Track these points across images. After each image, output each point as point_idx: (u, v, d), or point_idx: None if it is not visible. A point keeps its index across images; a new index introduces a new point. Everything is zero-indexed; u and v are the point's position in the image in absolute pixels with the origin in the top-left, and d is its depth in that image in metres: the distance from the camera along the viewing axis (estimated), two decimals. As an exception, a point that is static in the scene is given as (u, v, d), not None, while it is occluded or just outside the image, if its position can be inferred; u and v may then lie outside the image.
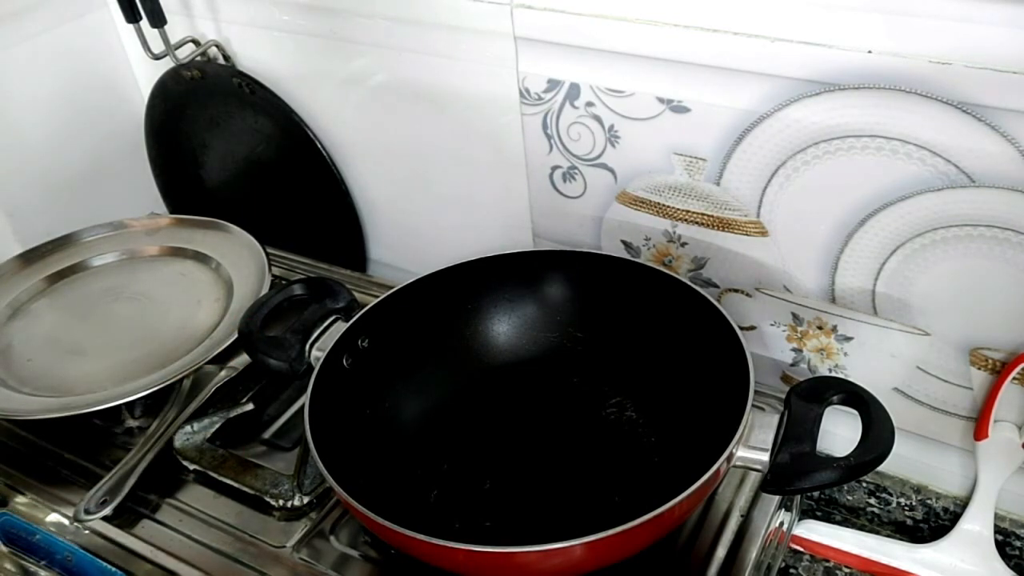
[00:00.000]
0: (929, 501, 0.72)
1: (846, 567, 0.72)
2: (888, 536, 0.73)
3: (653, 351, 0.66)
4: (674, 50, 0.60)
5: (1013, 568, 0.67)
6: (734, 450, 0.52)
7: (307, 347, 0.64)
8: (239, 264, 0.82)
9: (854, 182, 0.59)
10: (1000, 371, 0.63)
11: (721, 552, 0.59)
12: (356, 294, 0.69)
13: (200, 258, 0.84)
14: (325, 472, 0.52)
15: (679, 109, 0.63)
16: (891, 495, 0.74)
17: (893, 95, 0.54)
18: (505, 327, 0.71)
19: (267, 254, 0.82)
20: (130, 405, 0.69)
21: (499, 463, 0.64)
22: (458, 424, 0.67)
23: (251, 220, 0.87)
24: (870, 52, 0.54)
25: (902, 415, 0.68)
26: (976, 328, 0.62)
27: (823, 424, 0.53)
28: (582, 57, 0.65)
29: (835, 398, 0.54)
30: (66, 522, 0.65)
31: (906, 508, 0.74)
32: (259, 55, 0.85)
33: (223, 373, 0.74)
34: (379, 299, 0.66)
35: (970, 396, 0.66)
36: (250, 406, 0.73)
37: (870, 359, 0.68)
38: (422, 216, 0.87)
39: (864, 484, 0.75)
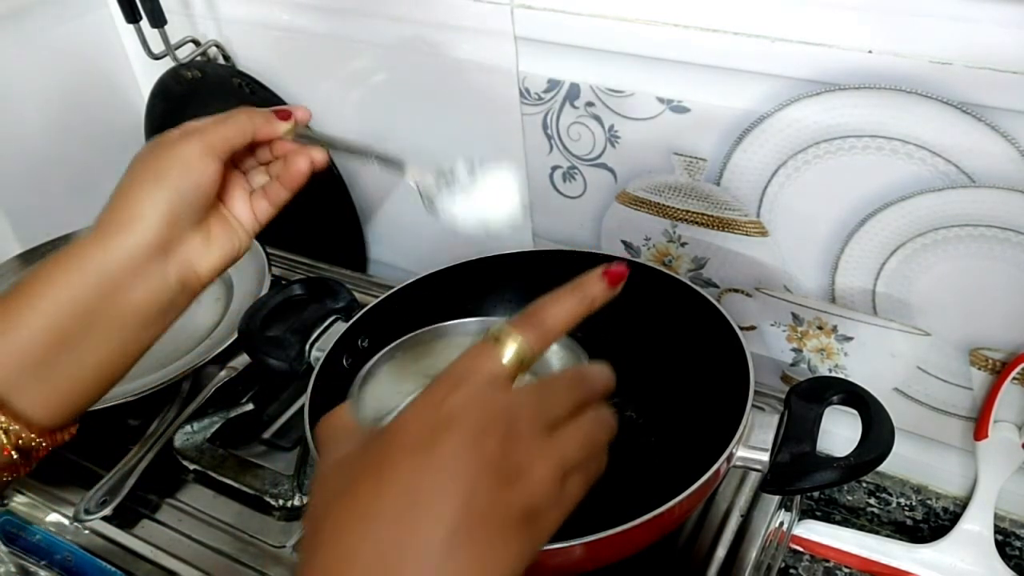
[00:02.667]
0: (929, 501, 0.72)
1: (846, 567, 0.72)
2: (888, 536, 0.73)
3: (653, 351, 0.66)
4: (674, 50, 0.60)
5: (1013, 568, 0.67)
6: (734, 450, 0.52)
7: (307, 347, 0.64)
8: (239, 264, 0.82)
9: (854, 182, 0.59)
10: (1000, 371, 0.63)
11: (721, 552, 0.59)
12: (356, 294, 0.69)
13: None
14: (325, 472, 0.52)
15: (679, 109, 0.63)
16: (891, 495, 0.74)
17: (893, 95, 0.54)
18: (505, 327, 0.71)
19: (267, 254, 0.82)
20: (130, 405, 0.69)
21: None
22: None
23: (251, 220, 0.86)
24: (870, 52, 0.54)
25: (902, 415, 0.68)
26: (976, 328, 0.62)
27: (823, 424, 0.53)
28: (582, 57, 0.65)
29: (835, 398, 0.54)
30: (66, 522, 0.65)
31: (906, 508, 0.74)
32: (259, 55, 0.85)
33: (223, 373, 0.74)
34: (379, 299, 0.66)
35: (970, 396, 0.66)
36: (250, 406, 0.73)
37: (870, 359, 0.68)
38: (422, 216, 0.86)
39: (864, 484, 0.75)
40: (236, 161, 0.53)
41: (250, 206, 0.53)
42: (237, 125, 0.49)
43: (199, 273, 0.49)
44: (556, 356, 0.61)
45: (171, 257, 0.47)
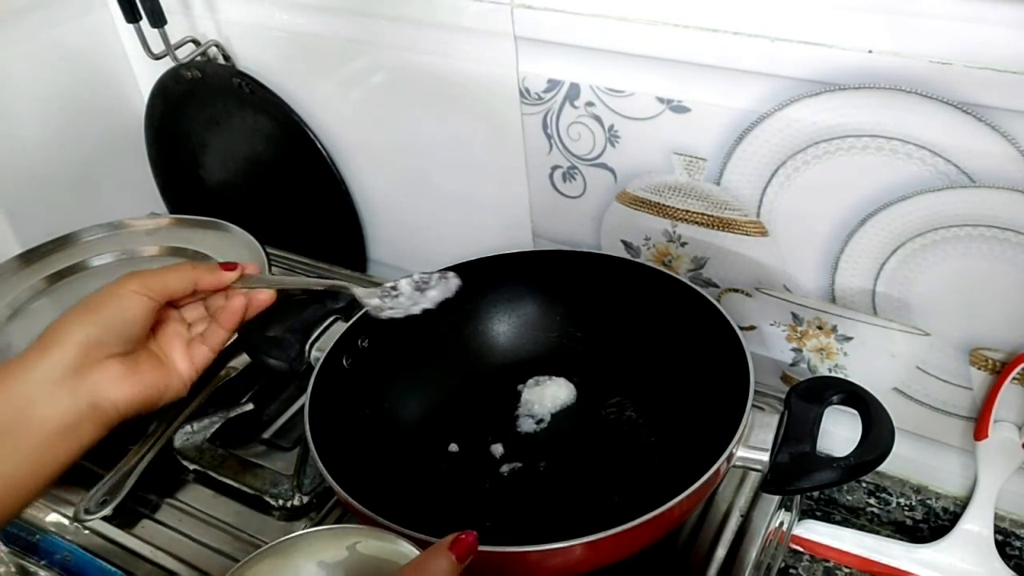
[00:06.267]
0: (929, 501, 0.72)
1: (846, 567, 0.72)
2: (888, 536, 0.74)
3: (653, 351, 0.66)
4: (674, 50, 0.60)
5: (1013, 568, 0.67)
6: (734, 450, 0.52)
7: (307, 347, 0.64)
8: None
9: (854, 182, 0.59)
10: (1000, 371, 0.63)
11: (721, 552, 0.59)
12: (356, 294, 0.69)
13: (200, 258, 0.84)
14: (325, 472, 0.52)
15: (679, 109, 0.63)
16: (891, 495, 0.74)
17: (893, 95, 0.54)
18: (505, 327, 0.71)
19: (267, 254, 0.82)
20: (130, 405, 0.69)
21: (499, 463, 0.64)
22: (458, 424, 0.67)
23: (251, 220, 0.86)
24: (870, 52, 0.54)
25: (902, 415, 0.68)
26: (976, 328, 0.62)
27: (823, 424, 0.53)
28: (582, 57, 0.65)
29: (835, 398, 0.54)
30: (66, 522, 0.65)
31: (906, 508, 0.74)
32: (259, 55, 0.85)
33: (223, 373, 0.74)
34: (379, 299, 0.66)
35: (970, 396, 0.66)
36: (250, 406, 0.73)
37: (870, 359, 0.68)
38: (422, 216, 0.87)
39: (864, 484, 0.75)
40: (180, 309, 0.58)
41: (187, 353, 0.56)
42: (178, 274, 0.55)
43: (113, 400, 0.51)
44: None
45: (84, 379, 0.50)
